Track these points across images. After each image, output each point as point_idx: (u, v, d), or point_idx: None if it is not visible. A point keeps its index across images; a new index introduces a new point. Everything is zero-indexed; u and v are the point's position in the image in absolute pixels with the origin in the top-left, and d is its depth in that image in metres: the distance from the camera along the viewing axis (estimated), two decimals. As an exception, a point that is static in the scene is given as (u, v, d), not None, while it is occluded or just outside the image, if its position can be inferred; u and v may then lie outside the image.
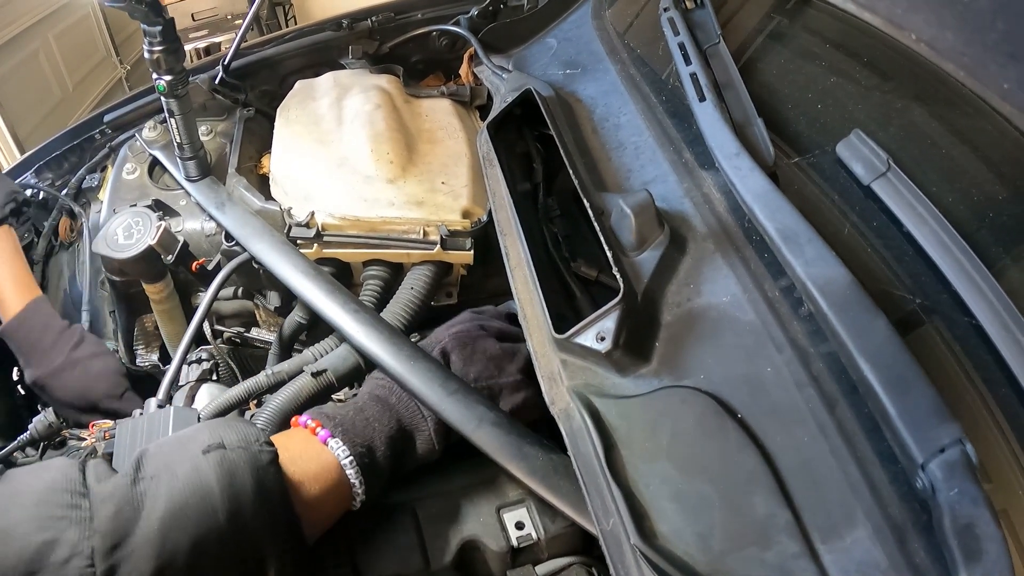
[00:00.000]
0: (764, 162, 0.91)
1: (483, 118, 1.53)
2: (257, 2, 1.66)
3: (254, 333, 1.44)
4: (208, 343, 1.37)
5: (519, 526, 0.89)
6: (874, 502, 0.67)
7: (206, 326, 1.39)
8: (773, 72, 1.08)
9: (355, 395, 1.14)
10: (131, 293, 1.44)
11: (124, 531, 0.65)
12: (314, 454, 0.83)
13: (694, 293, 0.84)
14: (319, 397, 1.06)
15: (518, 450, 0.86)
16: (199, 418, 1.00)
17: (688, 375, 0.79)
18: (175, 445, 0.76)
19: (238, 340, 1.44)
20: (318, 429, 0.85)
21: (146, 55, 1.20)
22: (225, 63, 1.53)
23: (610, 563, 0.69)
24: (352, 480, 0.83)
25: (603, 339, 0.78)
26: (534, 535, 0.88)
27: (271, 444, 0.78)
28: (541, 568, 0.89)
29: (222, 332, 1.43)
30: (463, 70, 1.61)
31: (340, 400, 1.18)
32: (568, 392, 0.80)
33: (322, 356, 1.13)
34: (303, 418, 0.88)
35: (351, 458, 0.83)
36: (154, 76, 1.23)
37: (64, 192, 1.62)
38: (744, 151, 0.89)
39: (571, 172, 0.96)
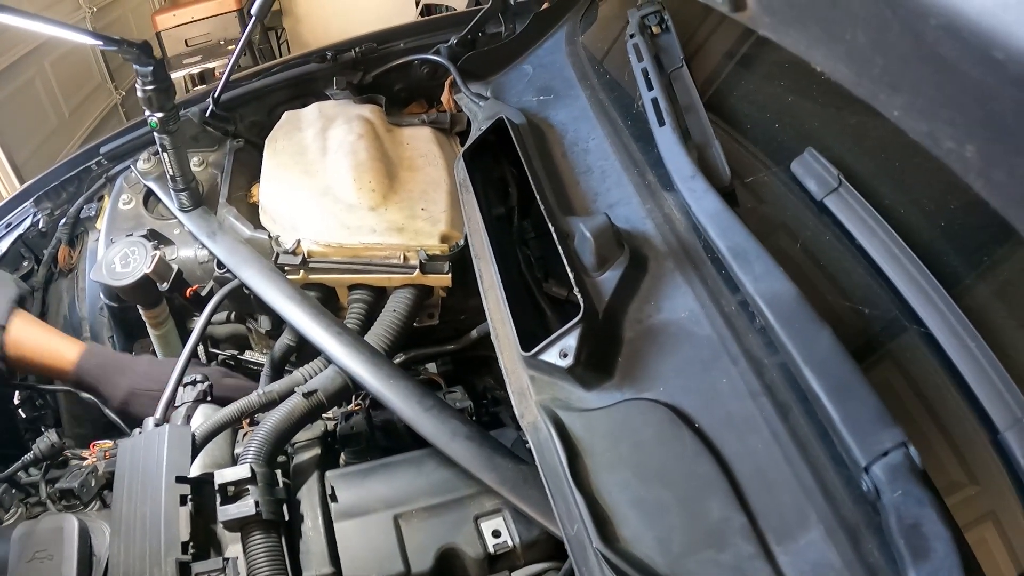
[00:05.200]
0: (721, 182, 0.95)
1: (463, 144, 1.58)
2: (247, 31, 1.72)
3: (247, 356, 1.48)
4: (203, 365, 1.42)
5: (496, 534, 0.93)
6: (827, 504, 0.70)
7: (201, 349, 1.44)
8: (735, 93, 1.13)
9: (344, 413, 1.19)
10: (128, 318, 1.48)
11: None
12: None
13: (654, 310, 0.89)
14: (310, 416, 1.09)
15: (490, 461, 0.91)
16: (193, 437, 1.04)
17: (648, 388, 0.83)
18: None
19: (232, 362, 1.48)
20: None
21: (139, 94, 1.25)
22: (215, 96, 1.58)
23: (575, 566, 0.73)
24: None
25: (566, 356, 0.83)
26: (510, 542, 0.93)
27: None
28: (517, 574, 0.93)
29: (217, 355, 1.48)
30: (444, 97, 1.65)
31: (330, 419, 1.22)
32: (536, 406, 0.85)
33: (311, 377, 1.16)
34: None
35: None
36: (146, 113, 1.28)
37: (63, 221, 1.67)
38: (699, 173, 0.94)
39: (538, 197, 1.01)
